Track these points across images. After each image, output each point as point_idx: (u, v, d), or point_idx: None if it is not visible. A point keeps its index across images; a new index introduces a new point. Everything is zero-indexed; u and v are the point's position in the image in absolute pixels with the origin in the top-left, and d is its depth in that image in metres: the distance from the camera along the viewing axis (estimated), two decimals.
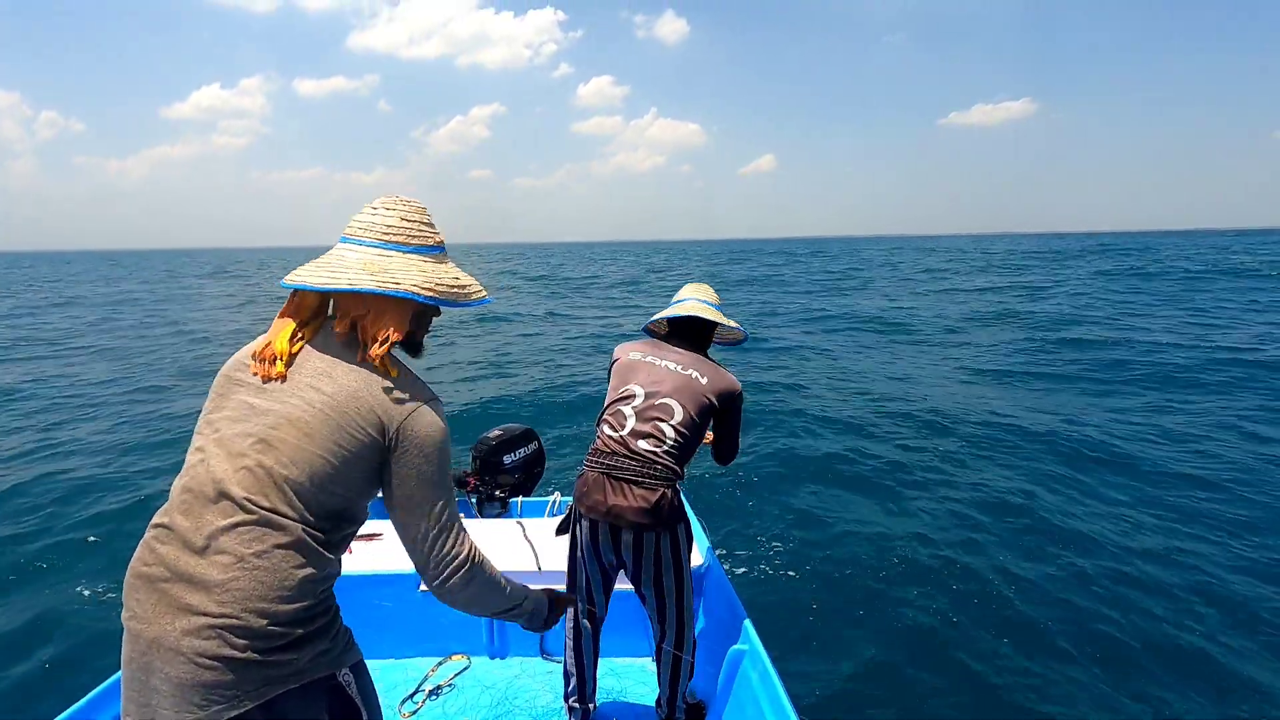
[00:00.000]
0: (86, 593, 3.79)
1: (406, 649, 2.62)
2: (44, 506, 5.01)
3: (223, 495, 1.02)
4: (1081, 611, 3.49)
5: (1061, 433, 6.36)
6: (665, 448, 1.90)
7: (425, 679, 2.48)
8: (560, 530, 2.20)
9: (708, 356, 2.08)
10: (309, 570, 1.03)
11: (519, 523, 3.02)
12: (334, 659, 1.09)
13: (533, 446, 3.53)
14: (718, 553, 2.73)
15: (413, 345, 1.22)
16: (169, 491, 1.09)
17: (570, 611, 2.12)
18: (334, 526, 1.09)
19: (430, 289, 1.14)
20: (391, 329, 1.14)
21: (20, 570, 4.08)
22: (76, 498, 5.17)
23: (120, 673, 1.06)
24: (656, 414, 1.92)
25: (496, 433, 3.53)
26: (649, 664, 2.56)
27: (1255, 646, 3.17)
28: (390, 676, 2.50)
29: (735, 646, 2.15)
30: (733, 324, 2.11)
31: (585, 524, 1.98)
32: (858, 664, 3.17)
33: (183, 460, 1.12)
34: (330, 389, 1.09)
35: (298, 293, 1.17)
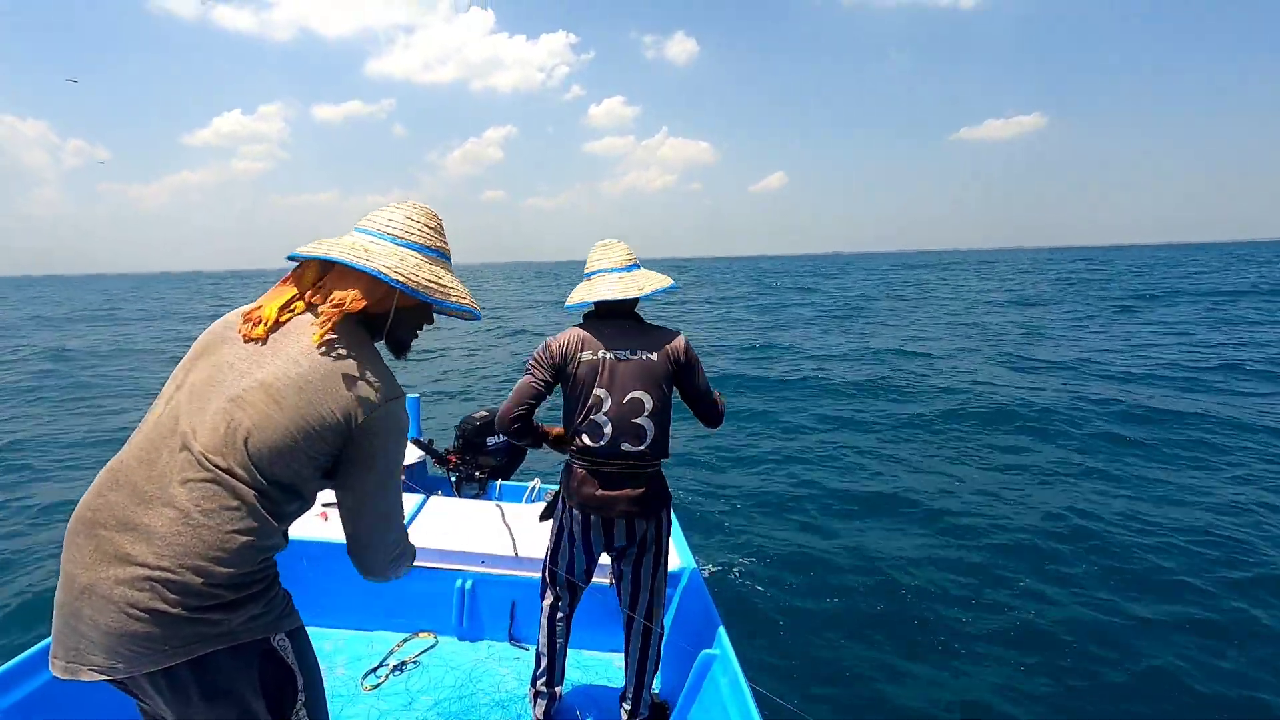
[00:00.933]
0: None
1: (374, 622, 2.59)
2: None
3: (183, 447, 1.02)
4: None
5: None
6: (647, 442, 1.95)
7: (390, 654, 2.46)
8: (543, 516, 2.20)
9: (640, 319, 2.05)
10: (251, 537, 1.02)
11: (498, 506, 3.00)
12: (268, 624, 1.08)
13: None
14: (696, 558, 2.74)
15: (397, 344, 1.27)
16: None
17: (547, 595, 2.13)
18: (284, 499, 1.08)
19: (402, 275, 1.16)
20: (350, 297, 1.14)
21: None
22: None
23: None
24: (629, 413, 1.93)
25: (482, 414, 3.51)
26: (616, 659, 2.56)
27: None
28: (355, 648, 2.47)
29: (706, 651, 2.17)
30: (652, 285, 2.00)
31: (576, 514, 1.99)
32: (833, 676, 3.21)
33: None
34: (307, 364, 1.09)
35: (299, 267, 1.20)
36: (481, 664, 2.48)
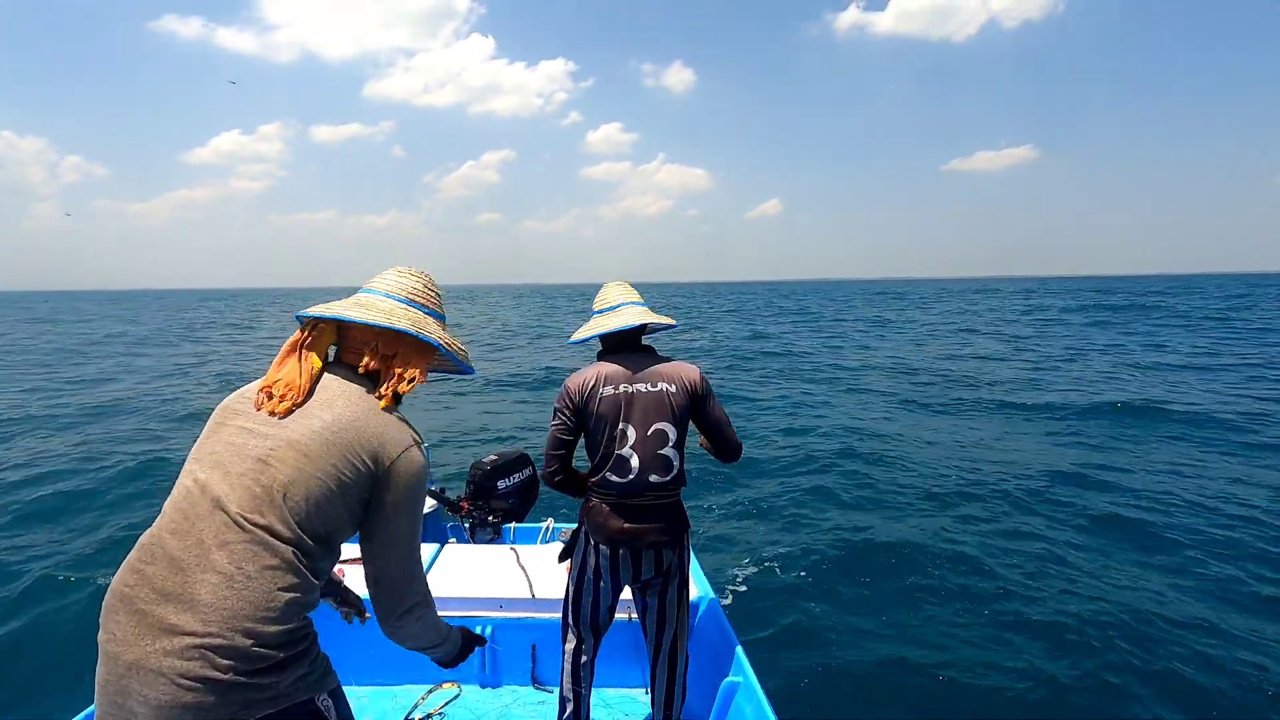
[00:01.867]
0: None
1: (396, 676, 2.59)
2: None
3: (219, 510, 1.04)
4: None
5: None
6: (673, 473, 2.00)
7: (415, 707, 2.46)
8: (563, 557, 2.22)
9: (653, 351, 2.10)
10: (295, 593, 1.04)
11: (512, 549, 3.02)
12: (313, 684, 1.09)
13: (527, 472, 3.54)
14: (713, 583, 2.74)
15: (395, 396, 1.33)
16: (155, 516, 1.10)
17: (570, 639, 2.13)
18: (321, 552, 1.11)
19: (450, 344, 1.32)
20: (419, 371, 1.27)
21: None
22: None
23: (94, 705, 1.03)
24: (654, 445, 1.97)
25: (491, 458, 3.54)
26: (641, 695, 2.55)
27: None
28: (379, 704, 2.47)
29: (729, 678, 2.16)
30: (667, 320, 2.10)
31: (603, 549, 2.00)
32: (857, 701, 3.15)
33: None
34: (330, 416, 1.14)
35: (318, 327, 1.24)
36: (507, 711, 2.47)
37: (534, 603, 2.61)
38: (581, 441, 2.07)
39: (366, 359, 1.24)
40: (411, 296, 1.32)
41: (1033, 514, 5.32)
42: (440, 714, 2.43)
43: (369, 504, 1.16)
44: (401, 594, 1.22)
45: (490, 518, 3.44)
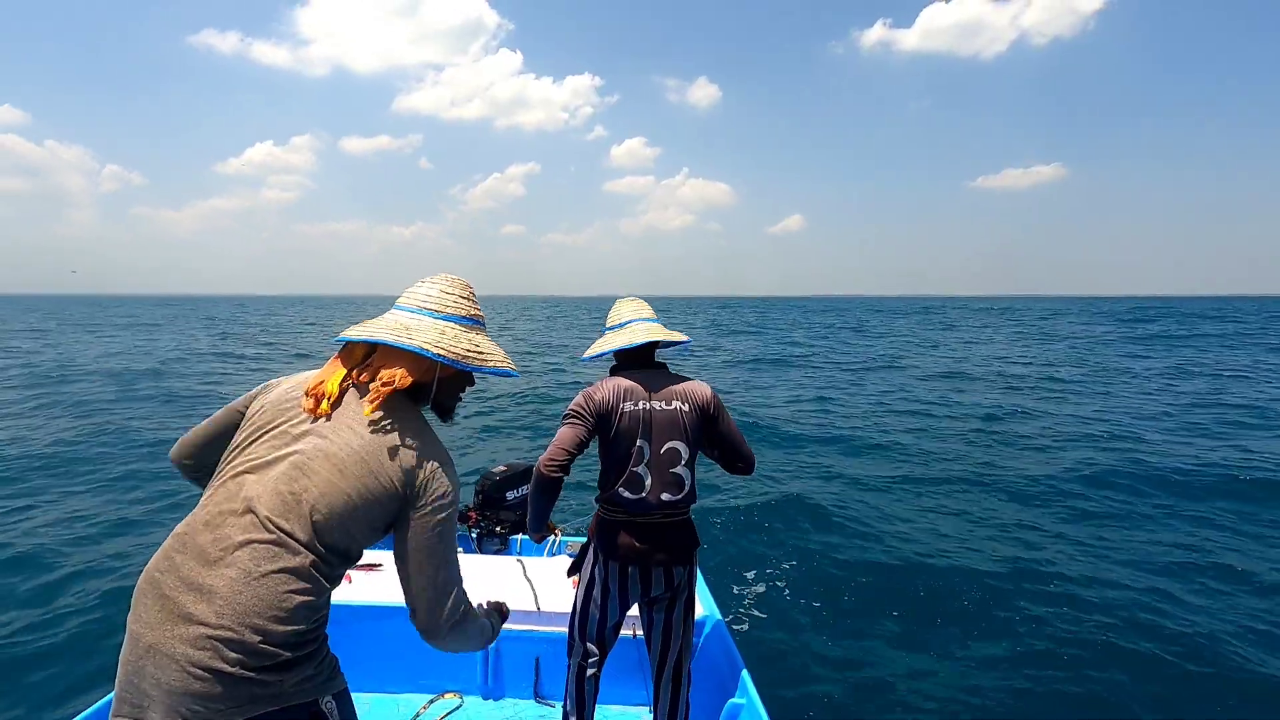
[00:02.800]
0: None
1: (399, 684, 2.59)
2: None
3: (249, 511, 1.09)
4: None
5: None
6: (685, 491, 1.99)
7: (417, 716, 2.45)
8: (571, 571, 2.21)
9: (665, 368, 2.10)
10: (308, 597, 1.08)
11: (519, 560, 3.02)
12: (318, 686, 1.12)
13: None
14: (718, 601, 2.72)
15: (441, 409, 1.35)
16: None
17: (575, 654, 2.12)
18: (338, 561, 1.15)
19: (442, 348, 1.25)
20: (399, 374, 1.23)
21: None
22: None
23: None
24: (667, 463, 1.97)
25: (500, 469, 3.55)
26: (642, 712, 2.53)
27: None
28: (381, 711, 2.47)
29: (732, 700, 2.14)
30: (680, 336, 2.10)
31: (613, 567, 1.99)
32: (859, 715, 3.10)
33: None
34: (366, 434, 1.18)
35: (346, 345, 1.30)
36: None
37: (539, 615, 2.60)
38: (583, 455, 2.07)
39: (356, 374, 1.26)
40: (423, 304, 1.32)
41: (1068, 541, 5.20)
42: None
43: (397, 524, 1.20)
44: (437, 611, 1.23)
45: (498, 528, 3.45)
